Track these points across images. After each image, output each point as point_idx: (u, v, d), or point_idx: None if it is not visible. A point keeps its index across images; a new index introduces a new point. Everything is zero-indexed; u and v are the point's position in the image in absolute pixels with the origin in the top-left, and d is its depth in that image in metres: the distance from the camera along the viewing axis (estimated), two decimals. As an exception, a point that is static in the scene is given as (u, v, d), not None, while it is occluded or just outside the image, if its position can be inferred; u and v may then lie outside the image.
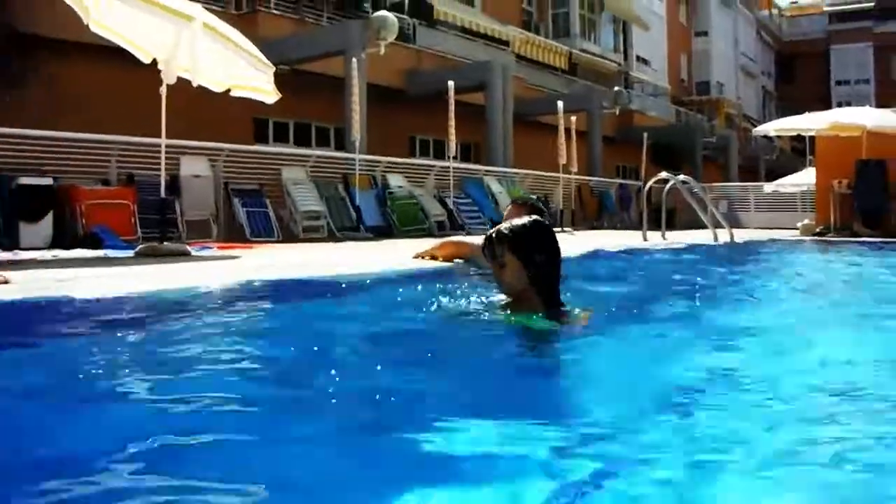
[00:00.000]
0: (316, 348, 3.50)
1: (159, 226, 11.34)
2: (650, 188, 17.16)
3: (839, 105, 50.84)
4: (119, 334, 3.74)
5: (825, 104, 51.50)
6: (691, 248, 12.76)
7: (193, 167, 14.91)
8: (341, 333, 4.11)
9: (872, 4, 75.12)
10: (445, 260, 7.26)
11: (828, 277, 8.70)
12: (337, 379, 2.78)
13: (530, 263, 3.89)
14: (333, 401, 2.50)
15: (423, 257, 7.45)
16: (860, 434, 2.27)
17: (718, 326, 4.63)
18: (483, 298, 4.42)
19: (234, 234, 14.98)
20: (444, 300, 4.51)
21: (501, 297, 4.21)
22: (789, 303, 5.97)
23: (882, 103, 25.80)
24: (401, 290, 5.64)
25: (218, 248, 11.63)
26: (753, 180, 38.38)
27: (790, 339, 4.08)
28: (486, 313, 4.13)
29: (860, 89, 69.80)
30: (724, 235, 14.90)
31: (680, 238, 15.16)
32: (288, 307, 5.17)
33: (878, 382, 2.92)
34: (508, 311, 4.02)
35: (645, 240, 14.60)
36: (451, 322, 4.14)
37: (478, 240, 7.50)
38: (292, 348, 3.54)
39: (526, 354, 3.54)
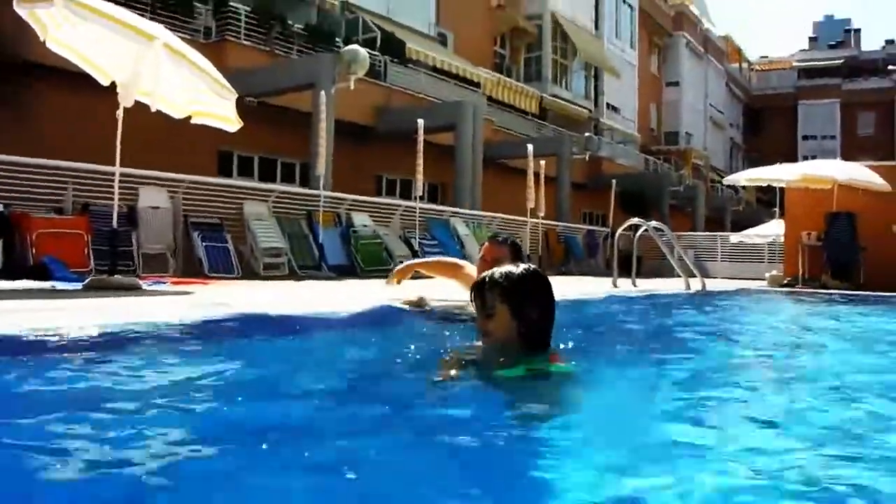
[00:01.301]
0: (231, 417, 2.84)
1: (110, 257, 10.80)
2: (618, 235, 16.94)
3: (805, 159, 51.36)
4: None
5: (791, 158, 52.05)
6: (672, 296, 12.68)
7: (152, 198, 14.40)
8: (281, 393, 3.40)
9: (840, 62, 76.47)
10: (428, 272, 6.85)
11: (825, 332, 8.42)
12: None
13: (523, 317, 3.50)
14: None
15: (398, 280, 6.82)
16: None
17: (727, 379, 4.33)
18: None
19: (191, 269, 14.46)
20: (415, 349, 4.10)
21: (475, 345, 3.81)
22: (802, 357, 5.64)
23: (847, 159, 25.95)
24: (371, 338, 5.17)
25: (172, 283, 11.16)
26: (719, 230, 38.39)
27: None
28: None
29: (826, 144, 70.71)
30: (695, 284, 14.63)
31: (651, 286, 14.89)
32: (216, 350, 4.58)
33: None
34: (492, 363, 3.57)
35: (615, 286, 14.26)
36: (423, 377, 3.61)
37: (467, 265, 7.02)
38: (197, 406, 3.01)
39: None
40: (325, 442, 2.39)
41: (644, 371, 4.21)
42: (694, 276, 15.19)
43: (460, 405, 3.07)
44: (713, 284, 16.22)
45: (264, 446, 2.29)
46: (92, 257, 12.45)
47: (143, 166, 13.71)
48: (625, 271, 16.32)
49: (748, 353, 5.56)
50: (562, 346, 3.96)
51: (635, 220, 15.78)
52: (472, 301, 3.61)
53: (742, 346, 5.99)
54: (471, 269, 6.64)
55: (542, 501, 2.00)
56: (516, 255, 5.62)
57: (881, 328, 8.76)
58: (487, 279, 3.56)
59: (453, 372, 3.61)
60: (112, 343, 4.29)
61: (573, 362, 3.71)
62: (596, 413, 3.01)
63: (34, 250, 11.88)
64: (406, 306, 6.50)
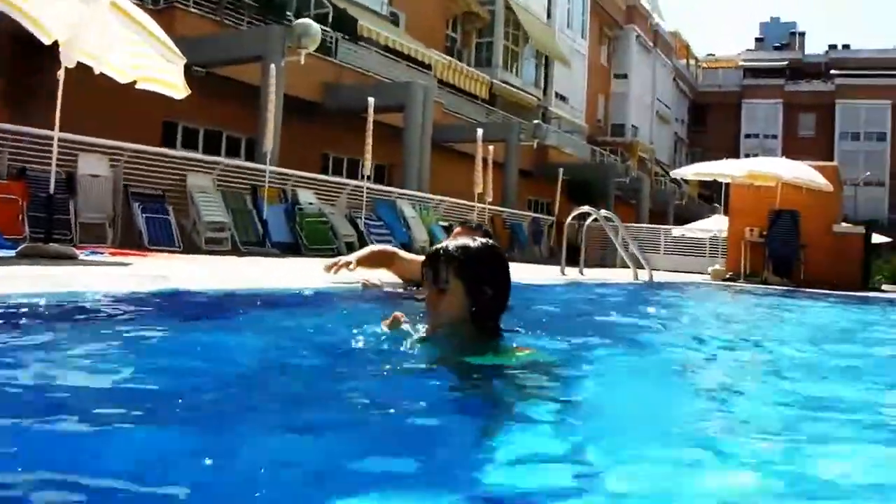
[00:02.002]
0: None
1: (46, 225, 10.38)
2: (562, 223, 16.92)
3: (747, 156, 51.88)
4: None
5: (734, 155, 52.62)
6: (622, 287, 12.54)
7: (92, 166, 13.95)
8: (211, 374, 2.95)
9: (785, 64, 77.52)
10: (366, 268, 6.30)
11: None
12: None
13: (477, 294, 3.22)
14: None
15: (336, 269, 6.11)
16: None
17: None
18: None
19: (131, 241, 14.04)
20: (358, 331, 3.62)
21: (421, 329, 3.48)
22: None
23: (788, 158, 26.25)
24: (312, 316, 4.86)
25: (110, 253, 10.76)
26: (662, 223, 38.56)
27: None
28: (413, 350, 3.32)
29: (767, 143, 71.54)
30: (643, 275, 14.58)
31: (598, 275, 14.83)
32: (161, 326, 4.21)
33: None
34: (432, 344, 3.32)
35: (563, 274, 14.14)
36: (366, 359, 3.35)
37: (406, 254, 6.70)
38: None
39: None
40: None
41: (616, 360, 4.00)
42: (642, 267, 15.12)
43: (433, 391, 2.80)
44: (659, 276, 16.19)
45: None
46: (27, 224, 12.02)
47: (85, 132, 13.27)
48: (568, 260, 16.19)
49: (706, 342, 5.44)
50: (518, 329, 3.70)
51: (586, 209, 15.65)
52: (423, 275, 3.31)
53: (701, 336, 5.89)
54: (406, 255, 6.41)
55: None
56: None
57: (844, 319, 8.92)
58: (442, 251, 3.28)
59: (398, 314, 3.40)
60: (40, 313, 4.02)
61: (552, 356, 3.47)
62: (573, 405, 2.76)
63: (-35, 215, 11.45)
64: (362, 286, 6.21)
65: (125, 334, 3.61)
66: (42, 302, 4.35)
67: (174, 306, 4.88)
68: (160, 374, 2.77)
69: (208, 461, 1.77)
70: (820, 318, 9.30)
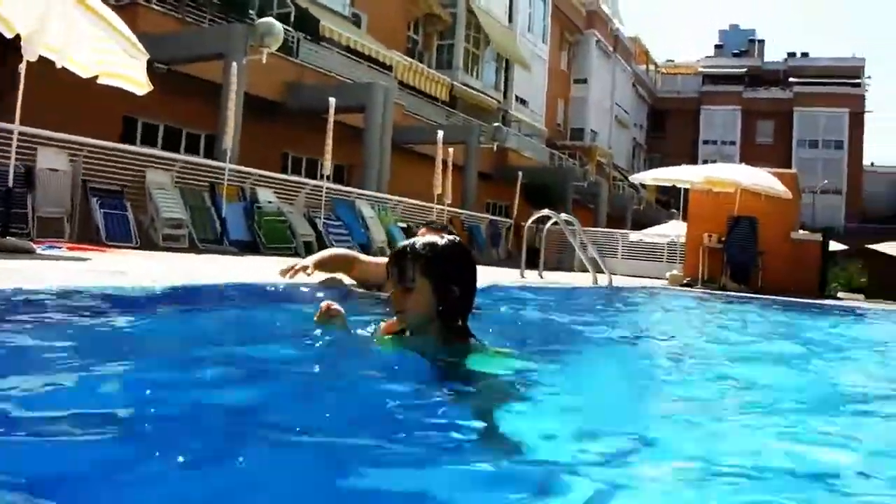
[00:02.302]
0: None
1: (2, 219, 10.35)
2: (520, 226, 17.02)
3: (705, 162, 52.28)
4: None
5: (692, 160, 53.15)
6: (585, 290, 12.61)
7: (51, 160, 13.89)
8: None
9: (744, 71, 78.11)
10: (324, 272, 6.11)
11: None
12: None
13: (444, 293, 3.19)
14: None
15: (292, 273, 5.88)
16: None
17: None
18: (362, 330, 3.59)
19: (88, 236, 14.01)
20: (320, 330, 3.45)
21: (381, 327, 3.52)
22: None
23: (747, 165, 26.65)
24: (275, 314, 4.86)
25: (67, 248, 10.75)
26: (620, 227, 38.77)
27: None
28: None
29: (725, 150, 72.14)
30: (602, 279, 14.72)
31: (558, 279, 14.93)
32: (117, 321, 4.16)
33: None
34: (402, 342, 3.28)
35: (523, 277, 14.26)
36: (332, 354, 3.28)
37: (366, 257, 6.68)
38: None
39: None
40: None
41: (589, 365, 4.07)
42: (601, 271, 15.26)
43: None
44: (617, 281, 16.35)
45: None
46: (-17, 218, 11.98)
47: (45, 126, 13.23)
48: (527, 263, 16.30)
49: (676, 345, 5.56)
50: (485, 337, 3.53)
51: (546, 212, 15.75)
52: (388, 273, 3.32)
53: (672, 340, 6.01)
54: (365, 258, 6.37)
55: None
56: None
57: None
58: (409, 249, 3.24)
59: (333, 306, 3.40)
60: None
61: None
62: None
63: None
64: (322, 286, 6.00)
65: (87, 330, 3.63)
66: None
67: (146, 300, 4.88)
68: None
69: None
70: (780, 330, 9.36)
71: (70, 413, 2.07)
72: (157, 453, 1.78)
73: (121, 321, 4.08)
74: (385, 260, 5.94)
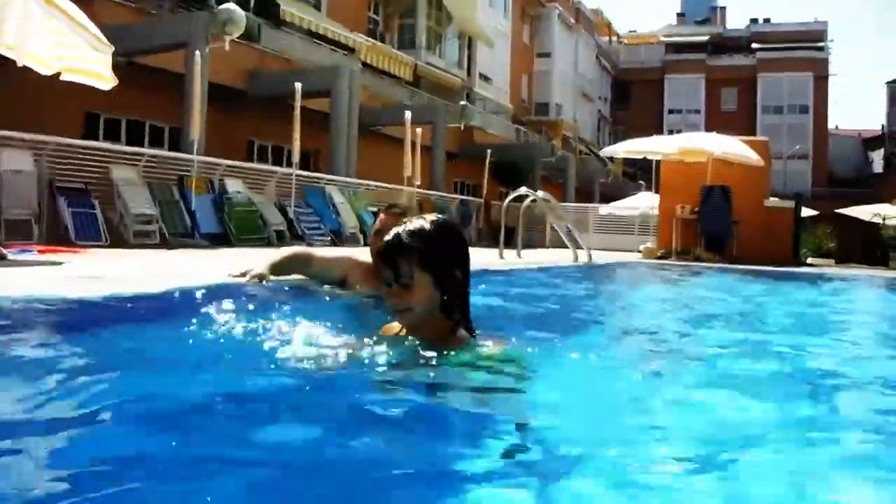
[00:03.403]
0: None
1: (-28, 224, 10.12)
2: (489, 205, 16.94)
3: (671, 132, 52.35)
4: None
5: (657, 131, 53.17)
6: (569, 268, 12.62)
7: (14, 161, 13.62)
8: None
9: (706, 38, 78.25)
10: (280, 275, 5.54)
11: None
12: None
13: (446, 281, 2.92)
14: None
15: (248, 279, 5.35)
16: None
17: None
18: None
19: (57, 236, 13.77)
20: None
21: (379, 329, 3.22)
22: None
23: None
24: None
25: (39, 251, 10.53)
26: (588, 202, 38.85)
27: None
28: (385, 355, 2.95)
29: (691, 118, 72.26)
30: (581, 255, 14.66)
31: (537, 257, 14.86)
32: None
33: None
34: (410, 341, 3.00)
35: (502, 258, 14.14)
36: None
37: (321, 253, 6.28)
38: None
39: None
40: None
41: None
42: (580, 247, 15.18)
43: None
44: (594, 256, 16.28)
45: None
46: (-51, 223, 11.75)
47: (3, 126, 12.96)
48: (496, 242, 16.19)
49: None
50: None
51: (523, 190, 15.63)
52: (381, 276, 3.06)
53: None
54: (322, 255, 5.84)
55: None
56: None
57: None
58: (396, 242, 2.92)
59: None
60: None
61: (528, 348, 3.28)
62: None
63: None
64: (242, 279, 5.43)
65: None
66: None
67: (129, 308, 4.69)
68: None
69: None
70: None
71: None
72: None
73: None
74: (339, 254, 5.71)
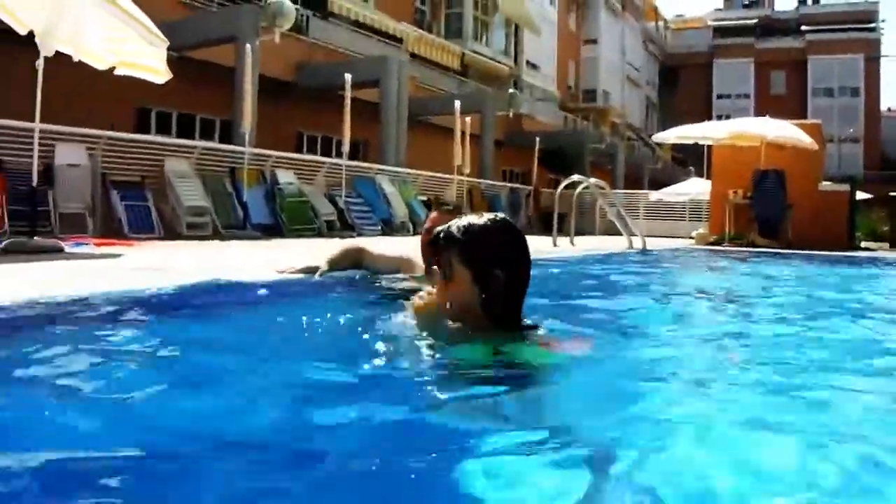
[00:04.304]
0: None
1: (29, 218, 10.20)
2: (539, 193, 16.84)
3: (719, 118, 51.82)
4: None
5: (706, 116, 52.67)
6: (625, 255, 12.45)
7: (69, 155, 13.78)
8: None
9: (755, 21, 77.28)
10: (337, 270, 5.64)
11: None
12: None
13: (488, 279, 2.84)
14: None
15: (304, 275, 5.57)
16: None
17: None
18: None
19: (111, 229, 13.90)
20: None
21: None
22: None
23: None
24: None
25: (95, 244, 10.63)
26: (637, 188, 38.58)
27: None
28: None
29: (740, 103, 71.52)
30: (636, 242, 14.54)
31: (591, 245, 14.76)
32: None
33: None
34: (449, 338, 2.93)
35: (556, 245, 14.07)
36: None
37: (374, 248, 6.29)
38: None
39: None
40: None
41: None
42: (634, 234, 15.07)
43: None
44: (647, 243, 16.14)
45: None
46: (6, 218, 11.88)
47: (58, 121, 13.08)
48: (547, 230, 16.10)
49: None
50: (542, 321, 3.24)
51: (576, 177, 15.56)
52: (427, 266, 3.05)
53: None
54: (374, 251, 5.86)
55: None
56: None
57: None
58: (444, 233, 2.96)
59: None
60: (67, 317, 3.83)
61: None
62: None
63: (-57, 210, 11.28)
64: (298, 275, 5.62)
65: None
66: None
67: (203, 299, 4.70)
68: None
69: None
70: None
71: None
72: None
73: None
74: (392, 255, 5.76)
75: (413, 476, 1.74)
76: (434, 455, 1.90)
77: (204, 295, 4.82)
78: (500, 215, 3.06)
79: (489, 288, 2.86)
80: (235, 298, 4.93)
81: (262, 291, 4.92)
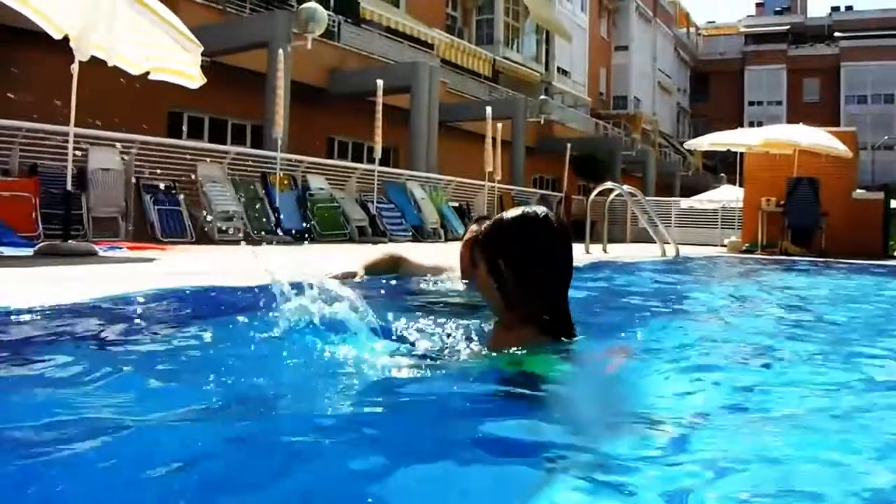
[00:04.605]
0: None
1: (63, 222, 10.21)
2: (570, 199, 16.76)
3: (751, 125, 51.47)
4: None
5: (738, 123, 52.38)
6: (656, 262, 12.27)
7: (102, 159, 13.83)
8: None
9: (787, 28, 76.76)
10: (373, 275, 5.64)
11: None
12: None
13: (496, 270, 2.70)
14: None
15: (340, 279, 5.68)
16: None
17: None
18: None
19: (143, 233, 13.93)
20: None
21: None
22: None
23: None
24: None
25: (128, 248, 10.64)
26: (668, 195, 38.40)
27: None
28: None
29: (772, 110, 71.07)
30: (669, 250, 14.41)
31: (623, 252, 14.62)
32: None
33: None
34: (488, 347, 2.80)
35: (587, 252, 13.97)
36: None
37: (412, 257, 6.25)
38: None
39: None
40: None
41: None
42: (667, 241, 14.94)
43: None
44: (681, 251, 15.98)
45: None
46: (40, 221, 11.91)
47: (91, 126, 13.13)
48: (578, 238, 15.98)
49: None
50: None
51: (609, 185, 15.48)
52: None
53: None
54: (412, 259, 5.90)
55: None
56: None
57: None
58: (480, 229, 2.90)
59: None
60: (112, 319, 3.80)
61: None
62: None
63: (-25, 213, 11.31)
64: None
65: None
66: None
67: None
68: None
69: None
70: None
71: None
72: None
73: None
74: (430, 264, 5.71)
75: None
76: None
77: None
78: (539, 211, 2.81)
79: (501, 279, 2.70)
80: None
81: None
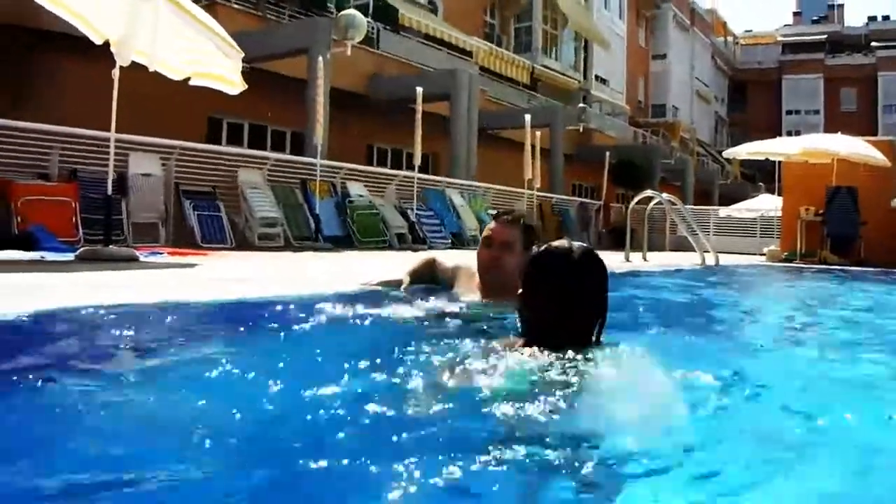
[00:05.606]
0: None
1: (104, 227, 10.13)
2: (609, 207, 16.63)
3: (789, 134, 51.05)
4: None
5: (775, 132, 51.92)
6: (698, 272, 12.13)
7: (143, 165, 13.79)
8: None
9: (825, 37, 76.23)
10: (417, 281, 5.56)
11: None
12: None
13: (525, 304, 2.97)
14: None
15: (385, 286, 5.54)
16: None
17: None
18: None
19: (183, 239, 13.86)
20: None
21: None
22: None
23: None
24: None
25: (169, 253, 10.55)
26: (706, 204, 38.11)
27: None
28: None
29: (810, 119, 70.46)
30: (709, 258, 14.22)
31: (663, 260, 14.45)
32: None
33: None
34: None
35: (627, 260, 13.80)
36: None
37: (443, 261, 6.10)
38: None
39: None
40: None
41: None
42: (707, 250, 14.75)
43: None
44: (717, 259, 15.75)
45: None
46: (80, 226, 11.86)
47: (131, 131, 13.08)
48: (618, 245, 15.82)
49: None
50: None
51: (649, 192, 15.30)
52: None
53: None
54: (443, 263, 5.71)
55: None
56: (528, 237, 4.72)
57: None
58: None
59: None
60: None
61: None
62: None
63: (19, 218, 11.27)
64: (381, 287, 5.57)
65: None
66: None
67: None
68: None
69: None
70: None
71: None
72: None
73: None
74: (452, 266, 5.61)
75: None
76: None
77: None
78: (570, 245, 2.99)
79: (528, 312, 2.98)
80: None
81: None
